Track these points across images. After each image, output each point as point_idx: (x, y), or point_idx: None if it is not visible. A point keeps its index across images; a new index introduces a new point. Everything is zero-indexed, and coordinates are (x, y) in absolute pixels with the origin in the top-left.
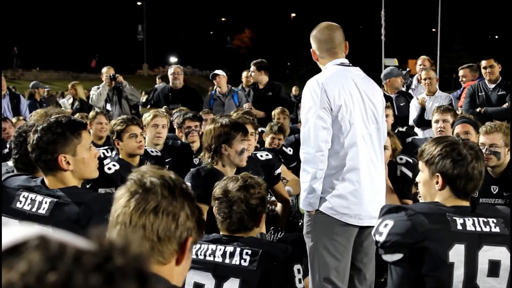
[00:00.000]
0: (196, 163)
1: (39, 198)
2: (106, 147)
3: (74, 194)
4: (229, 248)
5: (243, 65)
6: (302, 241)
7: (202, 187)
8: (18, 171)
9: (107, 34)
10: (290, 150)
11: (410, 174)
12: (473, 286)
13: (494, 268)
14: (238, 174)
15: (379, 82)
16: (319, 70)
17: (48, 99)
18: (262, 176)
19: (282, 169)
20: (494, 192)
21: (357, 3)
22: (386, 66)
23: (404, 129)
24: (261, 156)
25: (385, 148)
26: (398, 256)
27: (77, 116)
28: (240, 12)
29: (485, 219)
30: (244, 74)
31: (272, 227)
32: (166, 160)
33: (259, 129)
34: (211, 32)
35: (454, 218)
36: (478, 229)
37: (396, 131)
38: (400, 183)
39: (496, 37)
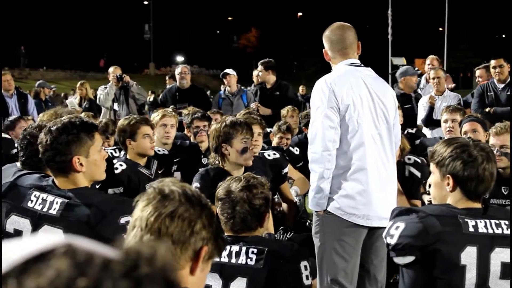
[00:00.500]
0: (205, 163)
1: (50, 198)
2: (114, 147)
3: (85, 195)
4: (235, 248)
5: (250, 65)
6: (310, 241)
7: (210, 188)
8: None
9: (113, 34)
10: (296, 150)
11: (418, 174)
12: None
13: (506, 270)
14: (260, 178)
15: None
16: (326, 70)
17: (54, 99)
18: (271, 176)
19: (289, 168)
20: (505, 193)
21: (364, 3)
22: (393, 65)
23: (413, 131)
24: (269, 155)
25: None
26: (409, 259)
27: (83, 115)
28: (247, 12)
29: (497, 221)
30: (255, 73)
31: (281, 227)
32: (175, 160)
33: (267, 130)
34: (218, 32)
35: (466, 220)
36: (490, 231)
37: (405, 132)
38: (409, 183)
39: (504, 36)
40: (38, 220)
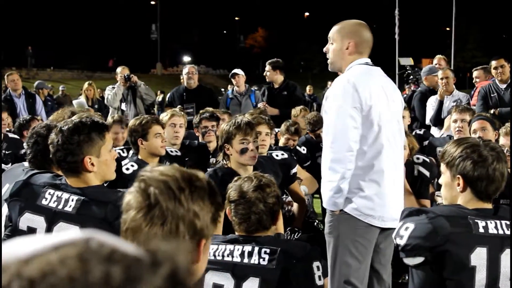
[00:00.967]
0: (213, 163)
1: (65, 195)
2: (122, 147)
3: (101, 193)
4: (247, 248)
5: (257, 65)
6: (316, 241)
7: (219, 188)
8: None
9: (121, 34)
10: (304, 149)
11: (427, 173)
12: None
13: None
14: (268, 176)
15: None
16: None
17: (63, 99)
18: (281, 176)
19: (297, 168)
20: None
21: (371, 2)
22: (401, 66)
23: (422, 132)
24: (277, 155)
25: (403, 147)
26: (419, 260)
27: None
28: (254, 12)
29: (507, 222)
30: (267, 68)
31: (288, 228)
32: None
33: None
34: (225, 32)
35: (476, 221)
36: (501, 232)
37: (413, 133)
38: (417, 183)
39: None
40: (53, 218)
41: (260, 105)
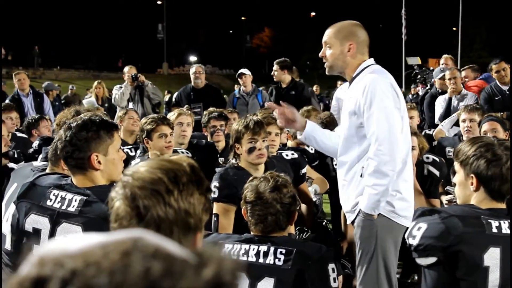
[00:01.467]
0: (221, 163)
1: (69, 196)
2: (130, 147)
3: (103, 192)
4: (263, 248)
5: (263, 64)
6: (323, 241)
7: (229, 187)
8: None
9: (127, 33)
10: (312, 149)
11: (437, 173)
12: None
13: None
14: (284, 176)
15: (399, 82)
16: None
17: (72, 98)
18: (292, 176)
19: (307, 169)
20: None
21: (378, 2)
22: (408, 65)
23: (431, 132)
24: (287, 155)
25: (413, 148)
26: (431, 260)
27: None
28: (260, 11)
29: None
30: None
31: (297, 228)
32: None
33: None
34: (231, 31)
35: (489, 220)
36: None
37: (423, 133)
38: (427, 182)
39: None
40: (57, 218)
41: (267, 104)
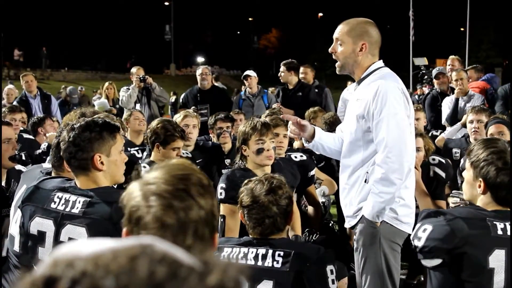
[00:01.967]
0: (228, 164)
1: (72, 198)
2: (137, 148)
3: (106, 193)
4: (261, 251)
5: (270, 65)
6: (332, 244)
7: (236, 189)
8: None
9: (134, 35)
10: None
11: (443, 174)
12: None
13: None
14: (278, 177)
15: (406, 82)
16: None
17: (80, 99)
18: (299, 178)
19: (315, 170)
20: None
21: (385, 3)
22: (415, 66)
23: (438, 133)
24: (295, 157)
25: (419, 149)
26: (437, 262)
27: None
28: (267, 12)
29: None
30: (301, 69)
31: (306, 229)
32: (197, 161)
33: None
34: (238, 32)
35: (494, 222)
36: None
37: (429, 134)
38: (433, 184)
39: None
40: (61, 220)
41: (274, 106)
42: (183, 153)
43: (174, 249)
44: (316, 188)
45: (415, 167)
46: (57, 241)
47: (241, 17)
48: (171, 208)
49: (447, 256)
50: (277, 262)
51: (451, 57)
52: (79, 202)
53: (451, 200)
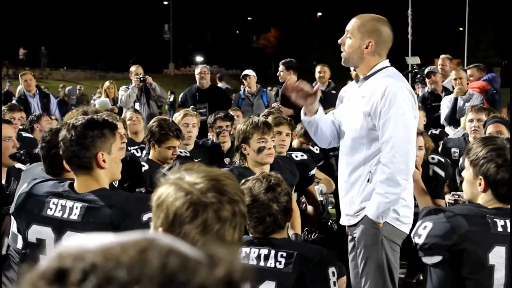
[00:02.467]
0: (227, 163)
1: (69, 203)
2: (136, 147)
3: (104, 197)
4: (263, 251)
5: (269, 65)
6: (331, 243)
7: None
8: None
9: (133, 34)
10: (317, 149)
11: (442, 173)
12: None
13: None
14: (275, 174)
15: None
16: (345, 69)
17: (80, 99)
18: (298, 176)
19: (315, 170)
20: None
21: (384, 2)
22: (406, 65)
23: (437, 132)
24: (296, 156)
25: (420, 148)
26: (437, 259)
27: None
28: (266, 12)
29: None
30: (318, 68)
31: (306, 228)
32: (196, 160)
33: None
34: (237, 32)
35: (494, 220)
36: None
37: (429, 133)
38: (433, 183)
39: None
40: (60, 227)
41: (274, 105)
42: (181, 152)
43: (178, 243)
44: (314, 186)
45: (416, 167)
46: None
47: (240, 16)
48: (227, 203)
49: (447, 253)
50: (280, 263)
51: (442, 56)
52: (77, 208)
53: (448, 196)
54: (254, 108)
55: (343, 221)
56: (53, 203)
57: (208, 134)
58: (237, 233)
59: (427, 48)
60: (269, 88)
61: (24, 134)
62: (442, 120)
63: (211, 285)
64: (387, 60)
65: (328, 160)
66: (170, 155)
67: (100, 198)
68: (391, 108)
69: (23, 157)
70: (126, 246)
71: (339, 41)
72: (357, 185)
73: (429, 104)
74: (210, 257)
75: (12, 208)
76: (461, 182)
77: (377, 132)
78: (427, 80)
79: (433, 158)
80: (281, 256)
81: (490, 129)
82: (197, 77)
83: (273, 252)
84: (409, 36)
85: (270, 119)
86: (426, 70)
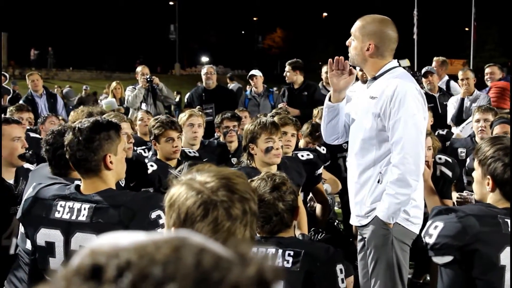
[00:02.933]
0: (234, 163)
1: (76, 205)
2: (143, 147)
3: (112, 197)
4: (271, 250)
5: (275, 65)
6: (338, 243)
7: None
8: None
9: (139, 34)
10: (323, 150)
11: (450, 173)
12: None
13: None
14: (280, 174)
15: None
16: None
17: (85, 99)
18: (305, 177)
19: (322, 170)
20: None
21: (390, 2)
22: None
23: (444, 132)
24: (302, 156)
25: (429, 148)
26: (448, 259)
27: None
28: (272, 12)
29: None
30: (324, 69)
31: (312, 228)
32: (203, 160)
33: None
34: (243, 32)
35: (506, 220)
36: None
37: (436, 133)
38: (440, 183)
39: None
40: (69, 229)
41: (280, 105)
42: (190, 152)
43: (209, 242)
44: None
45: (428, 166)
46: (67, 250)
47: (246, 17)
48: (238, 201)
49: (458, 253)
50: (287, 262)
51: (435, 58)
52: (85, 209)
53: (455, 195)
54: (260, 109)
55: (354, 221)
56: (61, 205)
57: (215, 134)
58: (248, 231)
59: (433, 48)
60: (275, 88)
61: (32, 134)
62: (448, 121)
63: (243, 284)
64: (395, 60)
65: (335, 161)
66: (171, 148)
67: (107, 198)
68: (400, 109)
69: (31, 158)
70: (159, 244)
71: (347, 43)
72: (367, 186)
73: None
74: (241, 256)
75: (19, 214)
76: (468, 182)
77: (387, 133)
78: (423, 79)
79: (440, 158)
80: (289, 254)
81: (497, 129)
82: (203, 77)
83: (280, 251)
84: (415, 36)
85: (275, 119)
86: (423, 70)
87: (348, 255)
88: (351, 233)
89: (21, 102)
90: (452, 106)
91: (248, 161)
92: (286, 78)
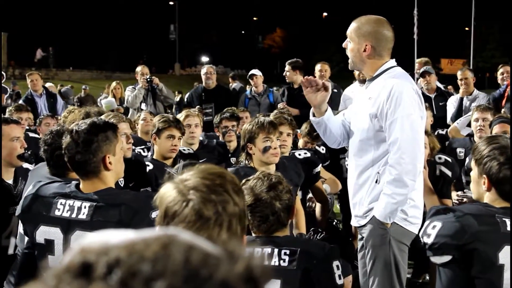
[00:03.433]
0: (233, 163)
1: (77, 203)
2: (142, 147)
3: (112, 195)
4: (267, 250)
5: (275, 65)
6: (337, 243)
7: None
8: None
9: (139, 34)
10: (323, 149)
11: (449, 173)
12: None
13: None
14: (275, 173)
15: None
16: (350, 70)
17: (84, 99)
18: (303, 176)
19: (320, 168)
20: None
21: (390, 2)
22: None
23: (444, 132)
24: (299, 154)
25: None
26: (446, 258)
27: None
28: (272, 12)
29: None
30: (318, 67)
31: (312, 228)
32: (201, 160)
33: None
34: (243, 32)
35: (503, 219)
36: None
37: (436, 133)
38: (439, 183)
39: None
40: (69, 227)
41: (280, 105)
42: (184, 150)
43: (197, 239)
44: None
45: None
46: (66, 248)
47: (246, 16)
48: (210, 201)
49: (457, 253)
50: (284, 260)
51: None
52: (85, 208)
53: (455, 194)
54: (260, 108)
55: (353, 222)
56: (61, 203)
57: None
58: (224, 231)
59: (433, 48)
60: (275, 88)
61: (31, 134)
62: (448, 120)
63: (232, 281)
64: (393, 60)
65: (338, 162)
66: (170, 146)
67: (108, 197)
68: (397, 109)
69: (29, 158)
70: (148, 241)
71: (343, 45)
72: (366, 186)
73: None
74: (229, 253)
75: (18, 211)
76: (467, 182)
77: (384, 133)
78: (421, 79)
79: (440, 158)
80: (285, 253)
81: (496, 129)
82: (203, 77)
83: (276, 250)
84: (415, 36)
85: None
86: (421, 70)
87: (347, 255)
88: (350, 233)
89: (20, 101)
90: (452, 106)
91: (247, 161)
92: (286, 78)
